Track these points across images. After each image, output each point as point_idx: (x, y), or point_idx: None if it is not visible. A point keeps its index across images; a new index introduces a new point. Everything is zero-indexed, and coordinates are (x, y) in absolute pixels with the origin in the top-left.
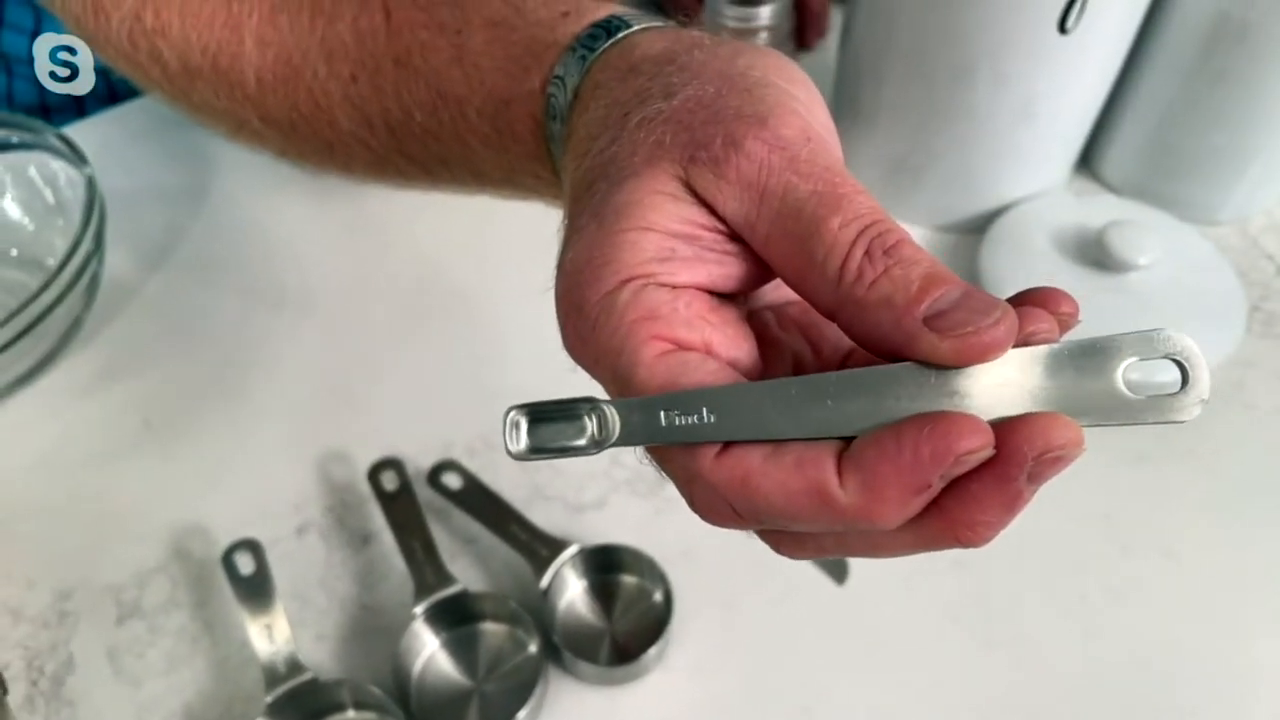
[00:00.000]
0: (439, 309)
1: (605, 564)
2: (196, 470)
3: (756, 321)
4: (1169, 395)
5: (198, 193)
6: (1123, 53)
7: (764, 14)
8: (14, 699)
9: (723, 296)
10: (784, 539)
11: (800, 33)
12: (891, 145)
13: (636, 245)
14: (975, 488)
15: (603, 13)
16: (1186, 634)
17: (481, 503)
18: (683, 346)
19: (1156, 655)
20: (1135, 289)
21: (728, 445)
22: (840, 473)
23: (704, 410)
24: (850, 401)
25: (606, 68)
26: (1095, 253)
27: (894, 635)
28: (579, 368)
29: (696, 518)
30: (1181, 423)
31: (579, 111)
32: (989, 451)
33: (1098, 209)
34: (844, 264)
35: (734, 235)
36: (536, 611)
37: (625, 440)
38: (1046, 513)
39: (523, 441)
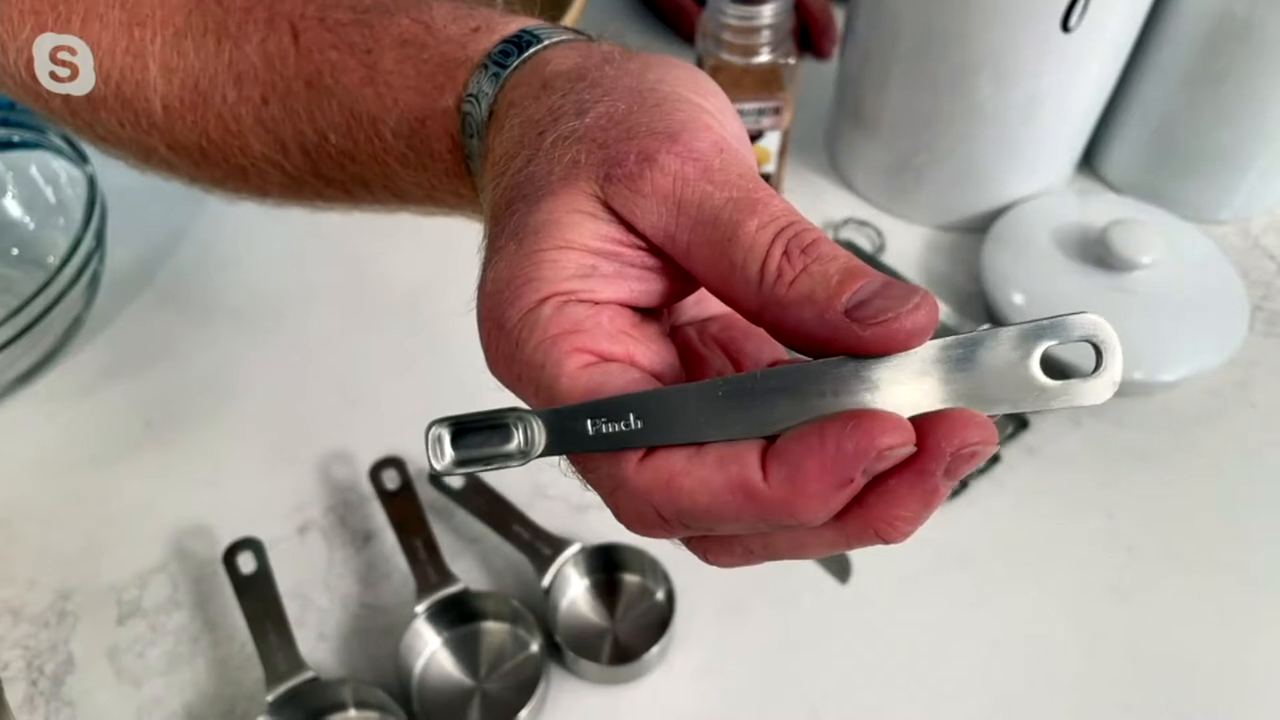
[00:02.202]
0: (441, 306)
1: (607, 563)
2: (197, 469)
3: (680, 337)
4: (1082, 379)
5: (199, 192)
6: (1125, 51)
7: (766, 13)
8: (14, 699)
9: (646, 313)
10: (711, 544)
11: (810, 40)
12: (894, 144)
13: (557, 263)
14: (894, 483)
15: (513, 27)
16: (1190, 634)
17: (483, 501)
18: (606, 359)
19: (1160, 655)
20: (1137, 288)
21: (651, 450)
22: (765, 467)
23: (631, 416)
24: (776, 399)
25: (519, 85)
26: (1098, 251)
27: (898, 635)
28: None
29: None
30: (1094, 405)
31: (494, 131)
32: (911, 448)
33: (1100, 208)
34: (764, 265)
35: (654, 250)
36: (538, 610)
37: (551, 449)
38: (1051, 512)
39: (447, 455)
